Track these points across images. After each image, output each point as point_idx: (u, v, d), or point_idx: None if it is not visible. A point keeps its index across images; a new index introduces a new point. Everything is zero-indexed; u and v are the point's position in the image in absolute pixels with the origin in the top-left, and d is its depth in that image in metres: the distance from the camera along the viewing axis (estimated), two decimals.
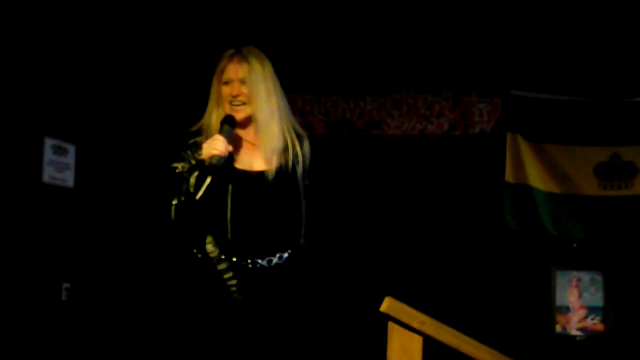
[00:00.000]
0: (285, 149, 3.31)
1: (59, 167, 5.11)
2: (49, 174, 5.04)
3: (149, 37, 5.80)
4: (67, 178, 5.20)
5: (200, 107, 3.37)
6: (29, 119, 4.90)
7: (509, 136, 6.06)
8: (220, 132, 3.20)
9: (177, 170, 3.23)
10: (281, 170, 3.29)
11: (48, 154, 5.04)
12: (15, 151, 4.79)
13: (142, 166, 5.56)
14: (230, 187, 3.21)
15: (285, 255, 3.28)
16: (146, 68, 5.81)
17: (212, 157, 3.13)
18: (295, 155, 3.33)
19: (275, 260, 3.25)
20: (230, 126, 3.22)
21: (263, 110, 3.27)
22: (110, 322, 5.42)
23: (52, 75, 5.07)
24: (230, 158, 3.23)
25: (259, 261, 3.22)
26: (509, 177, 6.03)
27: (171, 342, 3.31)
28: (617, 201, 5.97)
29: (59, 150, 5.12)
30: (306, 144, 3.39)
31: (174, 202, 3.19)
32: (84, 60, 5.32)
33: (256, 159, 3.30)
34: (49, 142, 5.05)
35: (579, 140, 6.03)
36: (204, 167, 3.15)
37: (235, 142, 3.30)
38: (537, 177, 6.02)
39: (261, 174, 3.27)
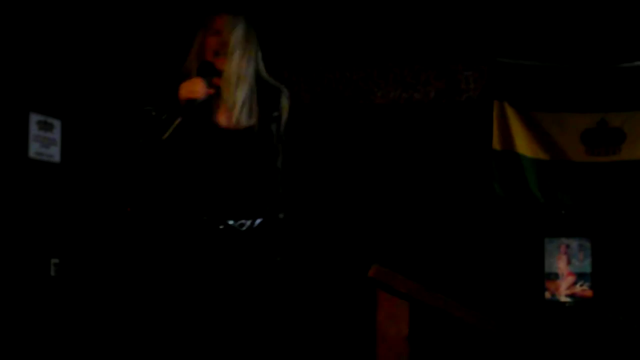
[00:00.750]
0: (260, 105, 3.25)
1: (44, 142, 5.09)
2: (34, 149, 5.02)
3: (133, 11, 5.76)
4: (53, 153, 5.18)
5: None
6: (14, 95, 4.87)
7: (496, 104, 6.04)
8: (200, 74, 3.18)
9: (151, 114, 3.16)
10: (253, 128, 3.23)
11: (33, 130, 5.01)
12: (0, 127, 4.77)
13: (127, 139, 5.53)
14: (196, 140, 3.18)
15: (258, 222, 3.21)
16: (130, 41, 5.78)
17: (188, 98, 3.10)
18: (270, 111, 3.28)
19: (232, 223, 3.18)
20: (211, 73, 3.19)
21: (236, 65, 3.23)
22: (99, 297, 5.42)
23: (36, 50, 5.03)
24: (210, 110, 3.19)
25: (230, 222, 3.17)
26: (496, 144, 6.02)
27: (158, 316, 3.28)
28: (605, 167, 5.98)
29: (45, 126, 5.10)
30: (283, 99, 3.33)
31: (141, 140, 3.15)
32: (68, 35, 5.28)
33: (226, 115, 3.25)
34: (34, 118, 5.02)
35: (566, 107, 6.02)
36: (178, 107, 3.10)
37: (212, 96, 3.25)
38: (524, 144, 6.02)
39: (229, 130, 3.23)
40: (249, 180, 3.21)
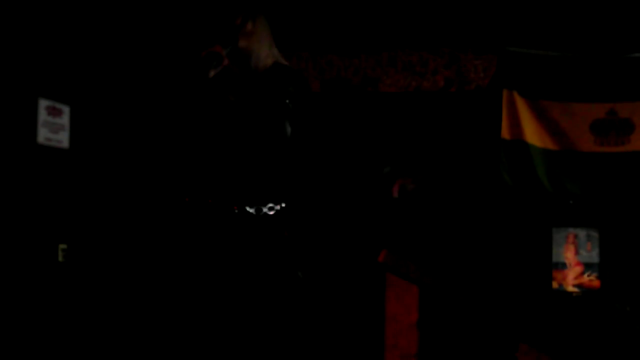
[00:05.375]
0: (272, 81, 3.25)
1: (53, 128, 5.09)
2: (43, 135, 5.02)
3: None
4: (62, 139, 5.18)
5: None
6: (23, 80, 4.87)
7: (505, 93, 6.04)
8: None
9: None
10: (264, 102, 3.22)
11: (42, 115, 5.01)
12: (9, 113, 4.77)
13: (137, 126, 5.54)
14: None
15: (277, 207, 3.20)
16: (140, 26, 5.77)
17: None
18: (281, 88, 3.29)
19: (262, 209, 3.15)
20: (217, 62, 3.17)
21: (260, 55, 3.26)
22: (107, 283, 5.42)
23: (45, 35, 5.03)
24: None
25: (248, 209, 3.14)
26: (505, 133, 6.02)
27: (166, 301, 3.24)
28: (613, 158, 5.97)
29: (54, 112, 5.10)
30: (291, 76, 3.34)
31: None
32: (77, 19, 5.28)
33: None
34: (43, 103, 5.02)
35: (576, 97, 6.01)
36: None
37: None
38: (533, 134, 6.01)
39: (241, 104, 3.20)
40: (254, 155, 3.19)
